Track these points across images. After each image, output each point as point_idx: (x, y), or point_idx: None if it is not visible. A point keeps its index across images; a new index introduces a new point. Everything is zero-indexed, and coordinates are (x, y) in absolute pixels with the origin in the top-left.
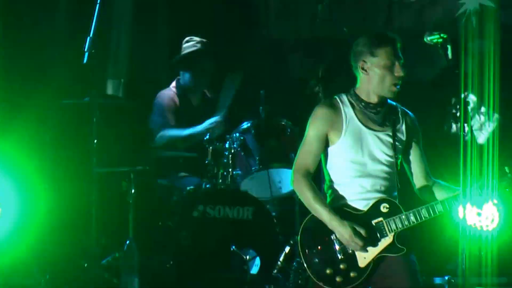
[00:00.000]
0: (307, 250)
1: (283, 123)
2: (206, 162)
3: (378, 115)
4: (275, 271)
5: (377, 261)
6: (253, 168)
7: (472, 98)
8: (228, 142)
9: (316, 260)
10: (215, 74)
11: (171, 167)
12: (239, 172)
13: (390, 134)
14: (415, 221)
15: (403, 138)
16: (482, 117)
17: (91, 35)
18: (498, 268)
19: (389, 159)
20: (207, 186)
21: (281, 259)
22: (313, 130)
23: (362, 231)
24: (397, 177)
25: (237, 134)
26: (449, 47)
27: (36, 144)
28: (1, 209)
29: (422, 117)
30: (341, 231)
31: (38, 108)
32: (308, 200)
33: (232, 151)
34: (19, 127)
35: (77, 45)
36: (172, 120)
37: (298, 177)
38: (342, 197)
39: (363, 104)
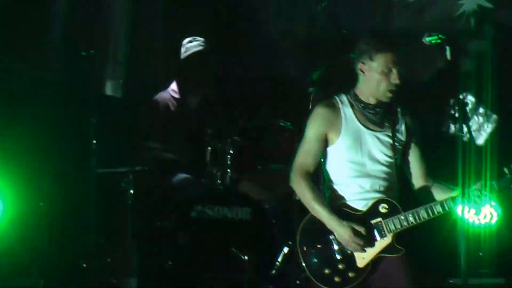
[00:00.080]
0: (305, 250)
1: (281, 124)
2: (205, 162)
3: (377, 115)
4: (274, 271)
5: (376, 261)
6: (251, 169)
7: (470, 99)
8: (227, 143)
9: (315, 260)
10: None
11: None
12: (238, 173)
13: (390, 134)
14: (414, 222)
15: (403, 138)
16: (481, 118)
17: (90, 36)
18: (496, 269)
19: (388, 159)
20: (206, 187)
21: (279, 259)
22: (312, 130)
23: (361, 231)
24: (397, 177)
25: (236, 135)
26: (447, 47)
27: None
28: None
29: (421, 118)
30: (340, 231)
31: (37, 108)
32: (307, 200)
33: (231, 151)
34: (19, 128)
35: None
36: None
37: (297, 177)
38: (341, 197)
39: (362, 104)
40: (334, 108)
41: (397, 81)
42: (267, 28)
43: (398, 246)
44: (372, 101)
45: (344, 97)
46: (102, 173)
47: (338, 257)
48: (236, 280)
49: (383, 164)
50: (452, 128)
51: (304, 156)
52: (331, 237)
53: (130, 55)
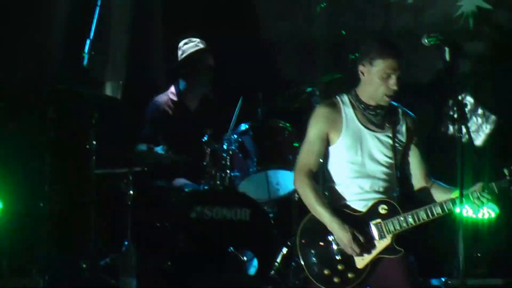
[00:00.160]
0: (305, 251)
1: (280, 124)
2: (204, 163)
3: (378, 116)
4: (273, 272)
5: (375, 262)
6: (250, 170)
7: (469, 100)
8: (226, 144)
9: (314, 260)
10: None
11: (170, 170)
12: (237, 173)
13: (390, 135)
14: (413, 223)
15: (403, 139)
16: (479, 119)
17: (91, 37)
18: (494, 269)
19: (388, 160)
20: (205, 187)
21: (278, 260)
22: (314, 130)
23: (361, 238)
24: (397, 178)
25: (235, 136)
26: (446, 49)
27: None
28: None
29: (419, 119)
30: (340, 234)
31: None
32: (309, 200)
33: (230, 152)
34: (18, 129)
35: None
36: (156, 131)
37: (300, 177)
38: (341, 198)
39: (363, 105)
40: (335, 108)
41: (394, 88)
42: (267, 28)
43: (397, 247)
44: (372, 102)
45: (345, 97)
46: (101, 174)
47: (338, 257)
48: (235, 280)
49: (383, 165)
50: (451, 129)
51: (307, 155)
52: (331, 237)
53: (130, 57)
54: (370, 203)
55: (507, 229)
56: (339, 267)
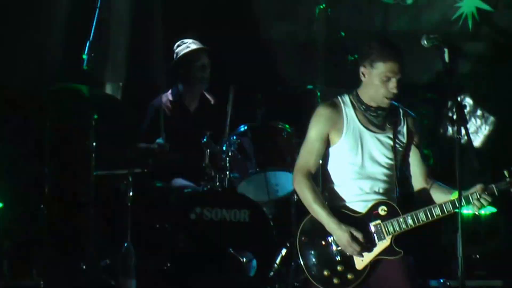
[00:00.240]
0: (305, 251)
1: (279, 126)
2: (204, 165)
3: (379, 118)
4: (272, 273)
5: (374, 263)
6: (250, 171)
7: (468, 101)
8: (225, 145)
9: (314, 261)
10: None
11: (170, 171)
12: (236, 175)
13: (391, 136)
14: (412, 224)
15: (404, 140)
16: (478, 120)
17: (90, 39)
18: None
19: (388, 161)
20: (204, 188)
21: (277, 261)
22: (314, 130)
23: (360, 236)
24: (397, 179)
25: (234, 137)
26: (445, 50)
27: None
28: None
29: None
30: (339, 235)
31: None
32: (308, 201)
33: (229, 154)
34: (18, 130)
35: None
36: (156, 131)
37: (299, 177)
38: (341, 198)
39: (364, 106)
40: (336, 108)
41: (394, 91)
42: (266, 29)
43: (396, 249)
44: (373, 104)
45: (346, 98)
46: (101, 175)
47: (337, 258)
48: (235, 281)
49: (383, 166)
50: (450, 130)
51: (307, 156)
52: (330, 238)
53: (130, 58)
54: (369, 204)
55: (506, 231)
56: (339, 268)
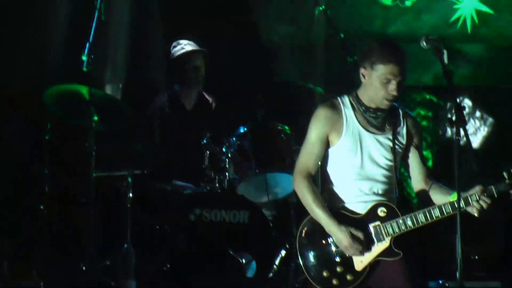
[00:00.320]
0: (304, 253)
1: (279, 127)
2: (203, 166)
3: (378, 119)
4: (271, 274)
5: (374, 264)
6: (249, 172)
7: (467, 103)
8: (224, 147)
9: (313, 262)
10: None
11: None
12: (236, 176)
13: (390, 137)
14: (412, 226)
15: (403, 141)
16: (477, 122)
17: (90, 40)
18: (492, 272)
19: (388, 162)
20: (204, 190)
21: (277, 262)
22: (314, 131)
23: (360, 237)
24: (397, 180)
25: (234, 139)
26: (444, 51)
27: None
28: None
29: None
30: (339, 236)
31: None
32: (308, 202)
33: (229, 155)
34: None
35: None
36: (154, 130)
37: (299, 178)
38: (340, 200)
39: (363, 107)
40: (336, 109)
41: (394, 93)
42: (266, 30)
43: (396, 250)
44: (372, 105)
45: (346, 99)
46: (101, 176)
47: (337, 259)
48: (234, 282)
49: (383, 167)
50: (449, 131)
51: (307, 157)
52: (330, 239)
53: (129, 58)
54: (369, 206)
55: (505, 232)
56: (338, 269)
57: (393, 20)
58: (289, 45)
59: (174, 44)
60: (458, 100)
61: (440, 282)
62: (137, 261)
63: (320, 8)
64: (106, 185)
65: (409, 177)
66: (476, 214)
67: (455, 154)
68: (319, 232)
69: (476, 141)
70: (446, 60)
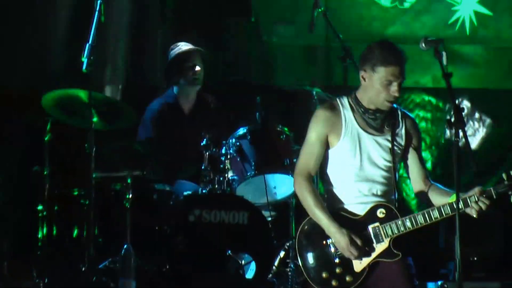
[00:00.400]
0: (303, 253)
1: (278, 128)
2: (203, 167)
3: (377, 120)
4: (271, 275)
5: (373, 265)
6: (248, 173)
7: (466, 104)
8: (224, 148)
9: (313, 263)
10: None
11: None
12: (235, 177)
13: (389, 138)
14: (411, 227)
15: (402, 142)
16: (476, 123)
17: (90, 42)
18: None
19: (387, 163)
20: (203, 191)
21: (276, 263)
22: (314, 133)
23: (359, 241)
24: (396, 181)
25: (233, 140)
26: (443, 53)
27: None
28: None
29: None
30: (338, 238)
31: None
32: (308, 203)
33: (228, 156)
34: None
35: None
36: (153, 132)
37: (299, 180)
38: (340, 201)
39: (362, 109)
40: (335, 110)
41: (396, 94)
42: (266, 31)
43: (395, 251)
44: (372, 106)
45: (345, 100)
46: (100, 177)
47: (336, 260)
48: (233, 283)
49: (382, 169)
50: (448, 133)
51: (307, 158)
52: (329, 241)
53: (129, 60)
54: (368, 207)
55: (504, 233)
56: (337, 270)
57: (392, 22)
58: (288, 46)
59: (172, 46)
60: (457, 102)
61: (439, 283)
62: (137, 262)
63: (320, 10)
64: (105, 186)
65: (408, 178)
66: (475, 215)
67: (454, 156)
68: (318, 233)
69: (474, 142)
70: (445, 62)
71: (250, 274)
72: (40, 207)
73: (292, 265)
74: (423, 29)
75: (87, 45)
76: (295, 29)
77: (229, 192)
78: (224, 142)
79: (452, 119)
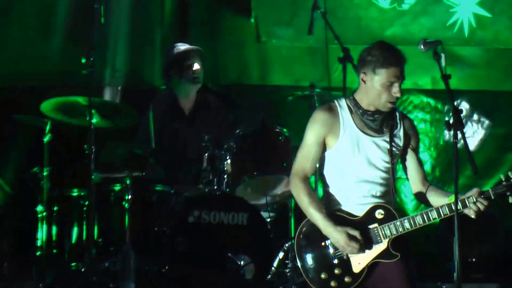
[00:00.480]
0: (302, 255)
1: (277, 130)
2: (202, 168)
3: (376, 121)
4: (270, 276)
5: (372, 266)
6: (248, 174)
7: (464, 106)
8: (224, 148)
9: (312, 264)
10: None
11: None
12: (235, 178)
13: (387, 140)
14: (409, 228)
15: (400, 143)
16: (475, 124)
17: (89, 43)
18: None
19: (385, 164)
20: (203, 192)
21: (275, 264)
22: (311, 134)
23: (357, 234)
24: (394, 182)
25: (233, 140)
26: (442, 55)
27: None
28: None
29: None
30: (336, 237)
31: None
32: (304, 204)
33: (228, 157)
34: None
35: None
36: (153, 132)
37: (296, 181)
38: (338, 202)
39: (361, 111)
40: (333, 112)
41: (397, 95)
42: (265, 33)
43: (393, 252)
44: (371, 108)
45: (343, 102)
46: (100, 178)
47: (335, 261)
48: (233, 284)
49: (380, 170)
50: (447, 134)
51: (303, 160)
52: (328, 242)
53: (129, 61)
54: (367, 208)
55: (503, 234)
56: (336, 271)
57: (391, 23)
58: (287, 48)
59: (170, 47)
60: (455, 103)
61: (438, 284)
62: (137, 263)
63: (319, 11)
64: (105, 186)
65: (407, 179)
66: (473, 216)
67: (453, 157)
68: (317, 234)
69: (473, 144)
70: (443, 63)
71: (249, 275)
72: (40, 208)
73: (291, 266)
74: (421, 30)
75: (87, 46)
76: (294, 31)
77: (228, 192)
78: (224, 142)
79: (451, 121)
